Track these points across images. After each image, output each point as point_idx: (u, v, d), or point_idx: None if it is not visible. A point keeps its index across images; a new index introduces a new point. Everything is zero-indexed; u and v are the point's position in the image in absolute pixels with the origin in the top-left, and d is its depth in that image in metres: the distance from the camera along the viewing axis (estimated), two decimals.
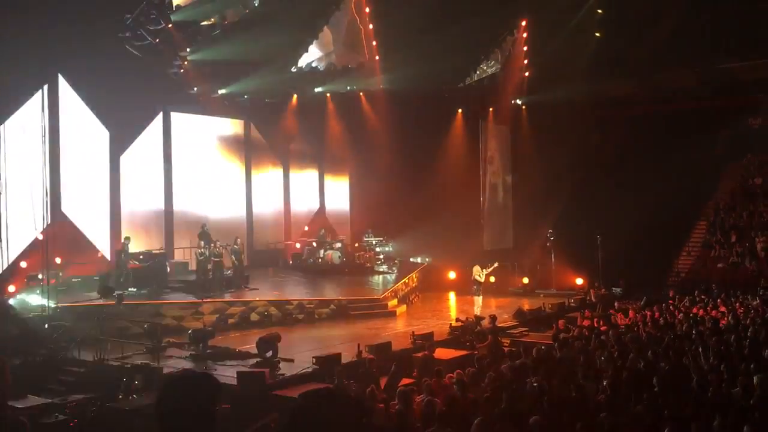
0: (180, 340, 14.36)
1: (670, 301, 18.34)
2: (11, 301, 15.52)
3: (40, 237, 16.34)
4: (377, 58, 22.26)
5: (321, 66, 22.76)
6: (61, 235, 17.41)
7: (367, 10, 21.49)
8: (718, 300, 17.92)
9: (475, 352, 12.73)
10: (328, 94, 24.49)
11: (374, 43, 21.97)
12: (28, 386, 11.04)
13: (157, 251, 19.22)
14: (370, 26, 21.71)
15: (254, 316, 17.23)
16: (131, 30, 17.71)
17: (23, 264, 17.00)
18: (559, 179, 26.50)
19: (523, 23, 24.75)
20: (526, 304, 19.53)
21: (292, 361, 12.68)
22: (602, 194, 25.26)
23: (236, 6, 19.26)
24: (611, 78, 25.96)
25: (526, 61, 25.55)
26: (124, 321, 15.27)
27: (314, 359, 12.17)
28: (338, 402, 2.48)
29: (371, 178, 25.38)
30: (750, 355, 10.23)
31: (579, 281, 22.38)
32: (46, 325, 14.29)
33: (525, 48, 25.21)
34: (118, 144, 20.32)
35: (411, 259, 24.38)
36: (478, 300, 18.12)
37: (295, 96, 24.16)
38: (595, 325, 15.30)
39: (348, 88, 24.21)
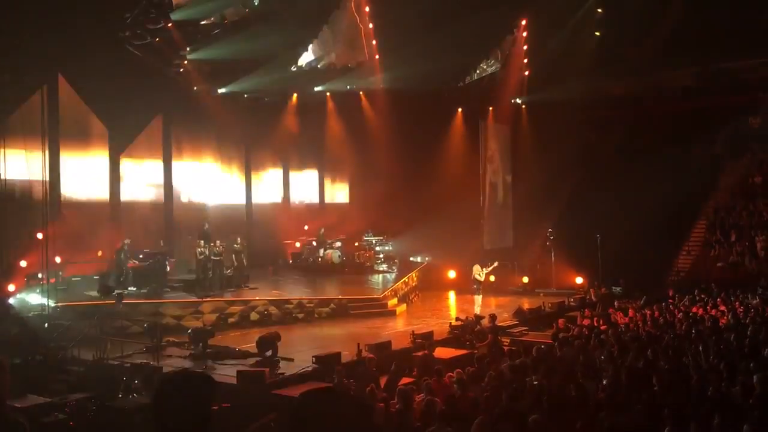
0: (180, 339, 14.37)
1: (670, 300, 18.34)
2: (11, 301, 15.52)
3: (40, 236, 16.34)
4: (377, 57, 22.26)
5: (321, 65, 22.76)
6: (60, 234, 17.41)
7: (367, 9, 21.49)
8: (718, 299, 17.90)
9: (475, 352, 12.73)
10: (328, 93, 24.52)
11: (374, 42, 21.97)
12: (28, 385, 11.03)
13: (157, 250, 19.22)
14: (370, 25, 21.71)
15: (254, 316, 17.23)
16: (131, 29, 17.70)
17: (23, 263, 17.00)
18: (559, 178, 26.50)
19: (523, 22, 24.74)
20: (526, 303, 19.53)
21: (291, 360, 12.70)
22: (602, 193, 25.23)
23: (236, 5, 19.25)
24: (611, 77, 25.95)
25: (525, 61, 25.54)
26: (124, 320, 15.30)
27: (314, 358, 12.18)
28: (339, 401, 2.48)
29: (371, 178, 25.40)
30: (750, 354, 10.22)
31: (579, 280, 22.38)
32: (46, 325, 14.30)
33: (525, 47, 25.20)
34: (118, 143, 20.33)
35: (411, 259, 24.40)
36: (478, 299, 18.14)
37: (295, 95, 24.19)
38: (595, 324, 15.29)
39: (348, 87, 24.24)
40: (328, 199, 28.04)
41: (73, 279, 17.75)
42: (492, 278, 19.64)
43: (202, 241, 18.53)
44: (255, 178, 25.24)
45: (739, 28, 24.01)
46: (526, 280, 23.27)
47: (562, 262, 23.15)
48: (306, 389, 2.57)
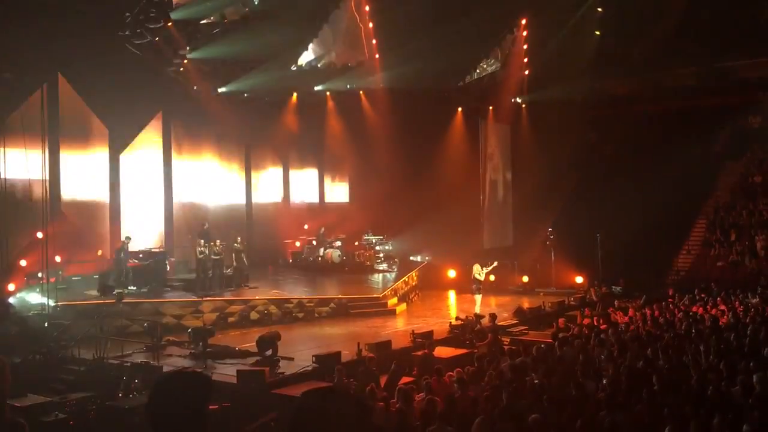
0: (180, 338, 14.39)
1: (670, 300, 18.33)
2: (11, 300, 15.53)
3: (40, 235, 16.35)
4: (377, 56, 22.25)
5: (321, 64, 22.76)
6: (60, 233, 17.41)
7: (367, 8, 21.47)
8: (718, 298, 17.90)
9: (475, 351, 12.74)
10: (327, 93, 24.52)
11: (374, 41, 21.95)
12: (28, 385, 11.03)
13: (157, 250, 19.22)
14: (370, 24, 21.69)
15: (254, 315, 17.24)
16: (131, 28, 17.69)
17: (23, 262, 17.00)
18: (559, 178, 26.52)
19: (523, 22, 24.73)
20: (526, 303, 19.53)
21: (292, 359, 12.71)
22: (602, 193, 25.26)
23: (236, 4, 19.24)
24: (611, 76, 25.95)
25: (526, 60, 25.53)
26: (124, 319, 15.30)
27: (314, 358, 12.19)
28: (340, 401, 2.47)
29: (371, 177, 25.40)
30: (749, 354, 10.23)
31: (579, 280, 22.38)
32: (46, 324, 14.29)
33: (525, 46, 25.19)
34: (118, 142, 20.32)
35: (411, 258, 24.40)
36: (478, 298, 18.13)
37: (294, 94, 24.18)
38: (595, 323, 15.29)
39: (348, 86, 24.23)
40: (328, 199, 28.04)
41: (73, 278, 17.77)
42: (492, 278, 19.63)
43: (202, 241, 18.53)
44: (255, 177, 25.23)
45: (739, 28, 24.03)
46: (526, 279, 23.27)
47: (562, 261, 23.15)
48: (307, 389, 2.57)
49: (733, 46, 24.81)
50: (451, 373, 9.82)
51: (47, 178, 17.35)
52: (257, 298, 17.90)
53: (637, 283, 21.02)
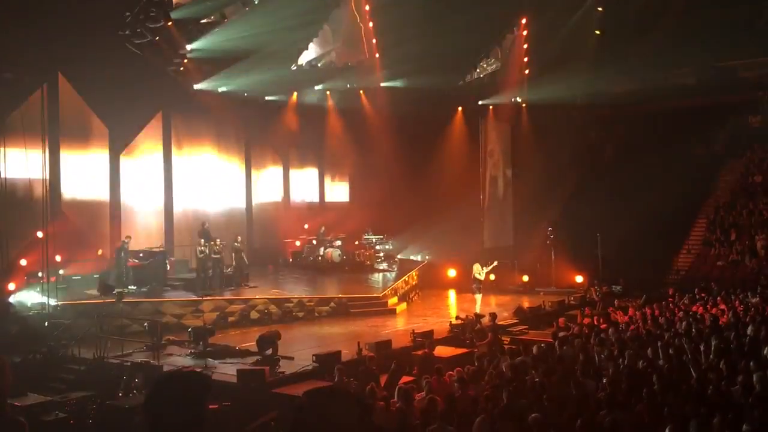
0: (180, 338, 14.40)
1: (670, 299, 18.31)
2: (11, 299, 15.53)
3: (40, 235, 16.35)
4: (377, 55, 22.24)
5: (321, 63, 22.75)
6: (61, 233, 17.41)
7: (367, 7, 21.45)
8: (718, 298, 17.89)
9: (475, 350, 12.76)
10: (328, 92, 24.53)
11: (374, 40, 21.94)
12: (28, 384, 11.05)
13: (157, 249, 19.22)
14: (370, 24, 21.68)
15: (254, 314, 17.24)
16: (131, 28, 17.69)
17: (23, 262, 17.01)
18: (559, 177, 26.48)
19: (523, 21, 24.72)
20: (526, 302, 19.54)
21: (292, 358, 12.71)
22: (602, 192, 25.24)
23: (236, 3, 19.24)
24: (611, 76, 25.91)
25: (526, 59, 25.51)
26: (124, 319, 15.30)
27: (314, 357, 12.20)
28: (342, 400, 2.48)
29: (371, 176, 25.40)
30: (750, 353, 10.22)
31: (579, 279, 22.37)
32: (46, 323, 14.31)
33: (525, 46, 25.18)
34: (119, 142, 20.32)
35: (411, 257, 24.39)
36: (478, 298, 18.15)
37: (295, 93, 24.18)
38: (595, 323, 15.28)
39: (348, 85, 24.24)
40: (328, 198, 28.04)
41: (73, 277, 17.76)
42: (492, 277, 19.64)
43: (202, 240, 18.54)
44: (255, 176, 25.23)
45: (739, 26, 24.01)
46: (526, 278, 23.26)
47: (563, 260, 23.15)
48: (307, 388, 2.57)
49: (733, 46, 24.78)
50: (451, 372, 9.82)
51: (47, 177, 17.36)
52: (257, 297, 17.90)
53: (638, 282, 21.01)
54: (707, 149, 27.77)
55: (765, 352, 10.30)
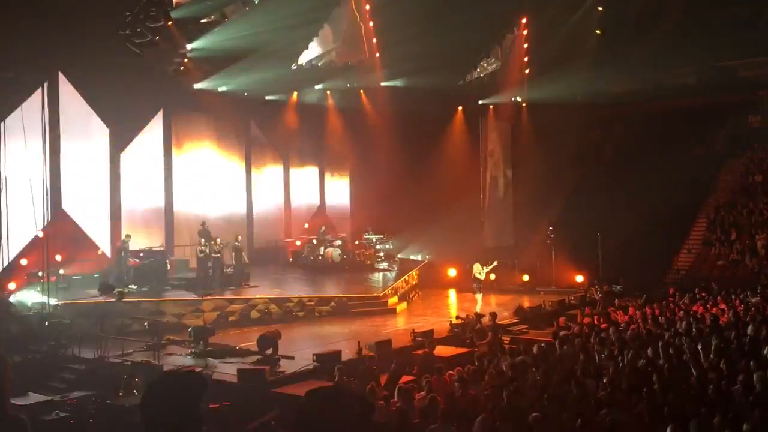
0: (180, 337, 14.39)
1: (670, 299, 18.32)
2: (11, 299, 15.53)
3: (41, 234, 16.34)
4: (377, 55, 22.24)
5: (321, 63, 22.75)
6: (61, 232, 17.41)
7: (368, 7, 21.45)
8: (718, 297, 17.90)
9: (476, 350, 12.76)
10: (328, 91, 24.53)
11: (374, 40, 21.94)
12: (29, 383, 11.05)
13: (158, 248, 19.21)
14: (371, 23, 21.68)
15: (254, 314, 17.23)
16: (131, 27, 17.68)
17: (24, 261, 17.01)
18: (559, 177, 26.49)
19: (524, 20, 24.72)
20: (527, 302, 19.55)
21: (292, 358, 12.71)
22: (602, 192, 25.25)
23: (236, 3, 19.24)
24: (611, 76, 25.91)
25: (526, 59, 25.51)
26: (125, 318, 15.28)
27: (314, 356, 12.21)
28: (345, 400, 2.48)
29: (371, 176, 25.38)
30: (750, 353, 10.23)
31: (579, 278, 22.37)
32: (47, 323, 14.30)
33: (525, 45, 25.18)
34: (119, 141, 20.30)
35: (411, 257, 24.39)
36: (479, 297, 18.16)
37: (295, 93, 24.18)
38: (596, 322, 15.29)
39: (348, 85, 24.24)
40: (328, 197, 28.03)
41: (73, 277, 17.74)
42: (492, 276, 19.65)
43: (202, 239, 18.53)
44: (255, 176, 25.22)
45: (739, 26, 23.99)
46: (526, 278, 23.27)
47: (563, 260, 23.15)
48: (308, 388, 2.57)
49: (733, 46, 24.77)
50: (451, 372, 9.83)
51: (48, 176, 17.35)
52: (258, 296, 17.90)
53: (638, 282, 21.01)
54: (707, 149, 27.77)
55: (765, 351, 10.31)
